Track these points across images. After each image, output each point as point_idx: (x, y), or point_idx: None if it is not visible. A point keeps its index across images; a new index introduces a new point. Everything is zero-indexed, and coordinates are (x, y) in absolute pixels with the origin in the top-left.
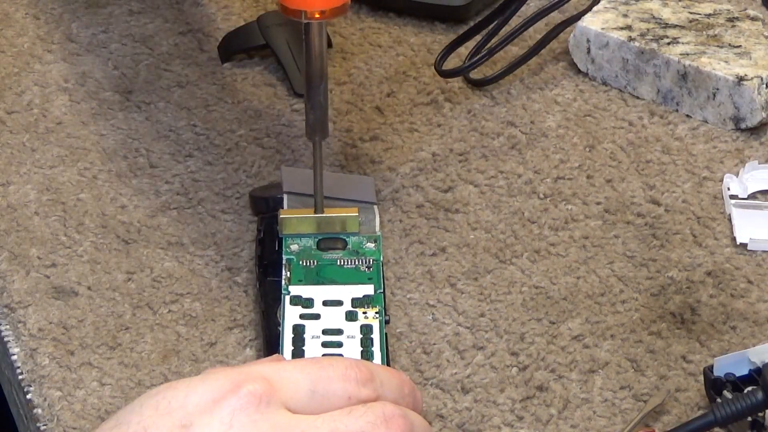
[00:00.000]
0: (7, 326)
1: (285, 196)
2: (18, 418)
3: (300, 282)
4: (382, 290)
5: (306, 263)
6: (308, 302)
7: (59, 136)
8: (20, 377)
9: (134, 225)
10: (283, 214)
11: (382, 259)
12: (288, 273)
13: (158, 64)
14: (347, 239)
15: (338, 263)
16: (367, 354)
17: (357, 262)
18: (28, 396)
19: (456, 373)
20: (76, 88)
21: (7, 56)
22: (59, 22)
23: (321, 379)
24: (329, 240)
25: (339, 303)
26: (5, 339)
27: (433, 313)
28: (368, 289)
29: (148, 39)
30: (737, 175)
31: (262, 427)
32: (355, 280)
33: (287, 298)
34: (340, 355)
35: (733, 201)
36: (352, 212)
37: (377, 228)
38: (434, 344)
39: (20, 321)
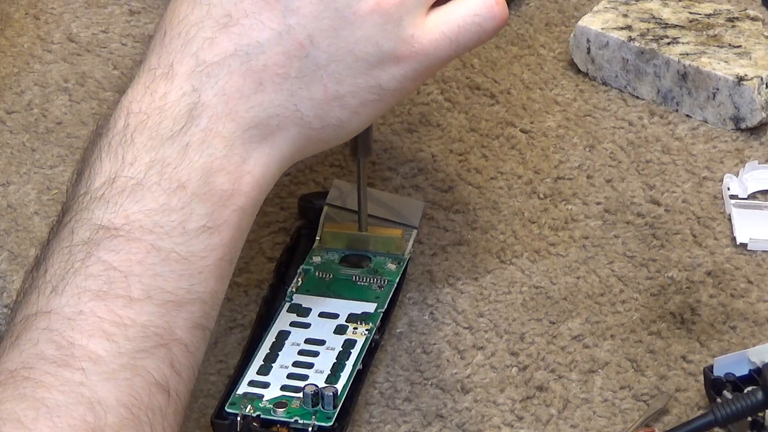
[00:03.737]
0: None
1: (325, 208)
2: None
3: (307, 292)
4: (383, 310)
5: (322, 275)
6: (305, 312)
7: (59, 136)
8: None
9: None
10: (327, 228)
11: (398, 281)
12: (299, 282)
13: None
14: (372, 257)
15: (353, 279)
16: (338, 367)
17: (372, 281)
18: None
19: (456, 373)
20: (76, 88)
21: (7, 56)
22: (59, 22)
23: None
24: (354, 257)
25: (335, 316)
26: None
27: (432, 312)
28: (370, 307)
29: (148, 39)
30: (737, 175)
31: None
32: (363, 297)
33: (287, 305)
34: (311, 365)
35: (733, 201)
36: (395, 233)
37: (407, 251)
38: (434, 344)
39: None
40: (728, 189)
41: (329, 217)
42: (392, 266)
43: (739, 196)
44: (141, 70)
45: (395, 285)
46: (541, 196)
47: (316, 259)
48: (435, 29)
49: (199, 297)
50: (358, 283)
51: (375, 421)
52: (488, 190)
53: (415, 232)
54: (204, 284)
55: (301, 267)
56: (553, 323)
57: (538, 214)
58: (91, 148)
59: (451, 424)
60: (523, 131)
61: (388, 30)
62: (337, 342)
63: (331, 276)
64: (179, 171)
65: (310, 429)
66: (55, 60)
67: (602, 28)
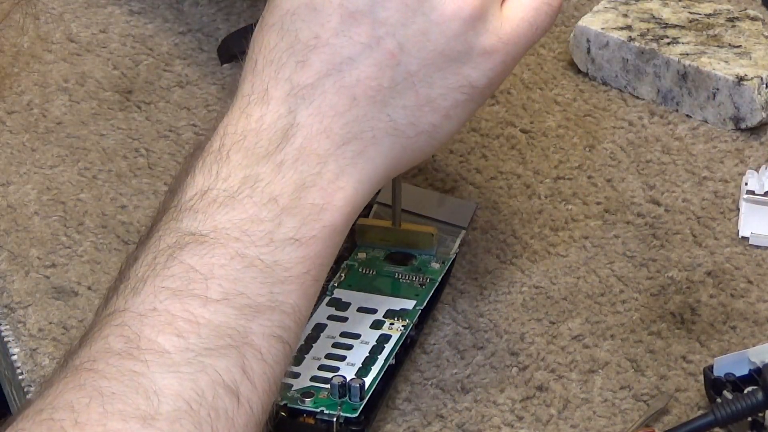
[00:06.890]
0: (7, 326)
1: (374, 206)
2: None
3: (349, 287)
4: (422, 307)
5: (365, 271)
6: (344, 306)
7: (59, 136)
8: (20, 377)
9: (134, 225)
10: (360, 222)
11: (441, 279)
12: (342, 276)
13: (158, 64)
14: (417, 256)
15: (396, 276)
16: (370, 360)
17: (414, 278)
18: (28, 396)
19: (456, 373)
20: (76, 88)
21: (7, 56)
22: (59, 22)
23: None
24: (399, 254)
25: (373, 311)
26: (5, 339)
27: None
28: (409, 304)
29: (148, 39)
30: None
31: None
32: (403, 294)
33: (327, 298)
34: (344, 358)
35: (746, 195)
36: (427, 230)
37: (453, 251)
38: (434, 344)
39: (20, 321)
40: (746, 184)
41: (378, 214)
42: (436, 265)
43: (756, 192)
44: (235, 98)
45: (437, 283)
46: (541, 196)
47: (361, 255)
48: (514, 17)
49: (278, 306)
50: (401, 280)
51: (375, 421)
52: (488, 190)
53: (462, 232)
54: (286, 295)
55: (345, 262)
56: (553, 323)
57: (538, 215)
58: (185, 168)
59: (451, 424)
60: (523, 131)
61: (476, 25)
62: (372, 336)
63: (374, 272)
64: (272, 186)
65: (335, 420)
66: (55, 60)
67: (602, 28)
